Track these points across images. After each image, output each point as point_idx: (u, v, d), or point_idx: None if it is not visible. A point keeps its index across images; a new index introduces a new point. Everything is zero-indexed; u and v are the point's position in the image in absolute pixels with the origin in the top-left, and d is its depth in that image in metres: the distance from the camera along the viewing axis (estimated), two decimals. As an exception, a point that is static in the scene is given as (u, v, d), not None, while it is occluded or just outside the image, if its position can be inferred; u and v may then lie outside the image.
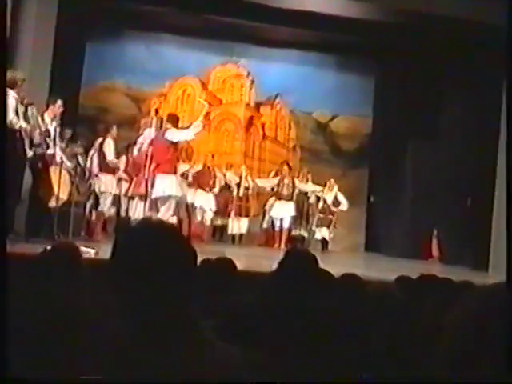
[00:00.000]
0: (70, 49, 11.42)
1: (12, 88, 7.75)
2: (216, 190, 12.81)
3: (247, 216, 13.20)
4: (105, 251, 6.82)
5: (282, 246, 12.48)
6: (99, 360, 1.46)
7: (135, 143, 10.23)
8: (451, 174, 12.32)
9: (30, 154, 7.86)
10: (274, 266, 3.28)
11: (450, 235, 12.33)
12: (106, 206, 10.09)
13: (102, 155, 10.00)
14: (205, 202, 12.52)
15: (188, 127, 9.52)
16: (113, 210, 10.45)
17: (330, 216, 13.25)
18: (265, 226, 13.35)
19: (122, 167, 10.28)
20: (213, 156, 13.52)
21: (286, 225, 12.95)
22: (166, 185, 8.95)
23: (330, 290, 3.53)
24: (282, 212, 12.96)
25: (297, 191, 13.20)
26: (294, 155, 14.76)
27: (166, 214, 8.94)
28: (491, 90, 10.40)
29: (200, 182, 12.51)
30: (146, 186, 9.16)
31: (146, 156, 9.06)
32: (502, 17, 8.10)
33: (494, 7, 9.22)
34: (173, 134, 9.00)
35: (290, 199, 12.99)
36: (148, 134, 9.35)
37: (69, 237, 8.36)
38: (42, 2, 9.46)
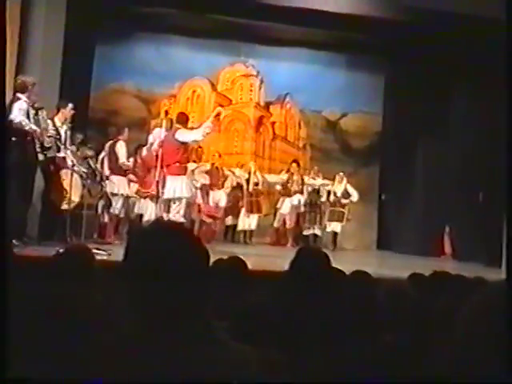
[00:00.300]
0: (80, 52, 11.45)
1: (23, 92, 7.79)
2: (228, 189, 12.85)
3: (259, 212, 13.20)
4: (117, 253, 6.84)
5: (289, 243, 12.53)
6: (113, 360, 1.47)
7: (146, 143, 10.25)
8: (462, 170, 12.28)
9: (41, 157, 7.89)
10: (286, 265, 3.29)
11: (462, 232, 12.28)
12: (118, 207, 10.12)
13: (113, 157, 10.03)
14: (217, 197, 12.57)
15: (198, 128, 9.51)
16: (125, 212, 10.47)
17: (341, 209, 13.26)
18: (276, 224, 13.35)
19: (137, 168, 10.31)
20: (220, 155, 13.55)
21: (294, 217, 12.99)
22: (176, 186, 8.95)
23: (343, 288, 3.52)
24: (291, 203, 12.97)
25: (309, 189, 13.22)
26: (304, 154, 14.77)
27: (177, 215, 8.94)
28: (503, 86, 10.34)
29: (210, 181, 12.54)
30: (157, 187, 9.17)
31: (157, 157, 9.05)
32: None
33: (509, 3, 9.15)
34: (182, 135, 8.99)
35: (300, 193, 13.04)
36: (158, 134, 9.34)
37: (81, 239, 8.39)
38: (51, 6, 9.49)
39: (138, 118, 13.67)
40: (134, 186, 10.36)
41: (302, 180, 13.10)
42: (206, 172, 12.48)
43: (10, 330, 1.46)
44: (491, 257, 10.65)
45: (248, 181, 13.12)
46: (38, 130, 7.74)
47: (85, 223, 8.77)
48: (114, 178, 10.01)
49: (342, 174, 13.37)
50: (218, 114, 9.75)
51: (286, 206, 13.03)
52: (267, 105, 14.76)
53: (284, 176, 13.22)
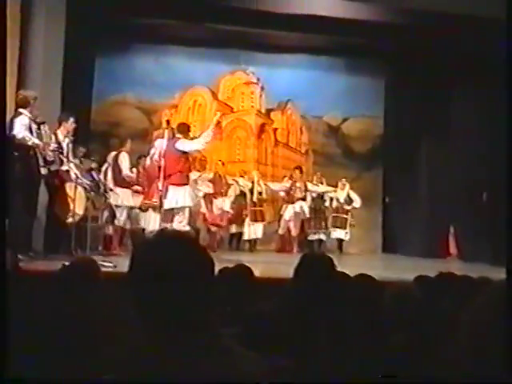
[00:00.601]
0: (80, 65, 11.49)
1: (25, 107, 7.81)
2: (232, 198, 12.88)
3: (262, 221, 13.22)
4: (123, 264, 6.85)
5: (294, 249, 12.52)
6: (121, 370, 1.48)
7: (148, 154, 10.26)
8: (465, 171, 12.27)
9: (44, 171, 7.91)
10: (292, 272, 3.29)
11: (467, 232, 12.27)
12: (123, 219, 10.14)
13: (117, 169, 10.05)
14: (220, 204, 12.60)
15: (198, 137, 9.52)
16: (129, 223, 10.48)
17: (344, 215, 13.29)
18: (280, 231, 13.36)
19: (139, 180, 10.32)
20: (223, 164, 13.57)
21: (298, 223, 13.00)
22: (178, 196, 8.94)
23: (348, 293, 3.53)
24: (294, 210, 12.97)
25: (314, 195, 13.24)
26: (306, 160, 14.77)
27: (180, 224, 8.94)
28: (504, 86, 10.34)
29: (213, 190, 12.57)
30: (160, 198, 9.17)
31: (159, 168, 9.05)
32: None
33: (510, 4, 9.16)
34: (183, 144, 9.00)
35: (303, 200, 13.04)
36: (159, 145, 9.35)
37: (86, 251, 8.40)
38: (50, 20, 9.52)
39: (139, 128, 13.70)
40: (139, 198, 10.36)
41: (306, 186, 13.10)
42: (210, 180, 12.50)
43: (21, 342, 1.47)
44: (496, 256, 10.63)
45: (251, 190, 13.14)
46: (41, 145, 7.76)
47: (89, 235, 8.78)
48: (118, 189, 10.03)
49: (344, 180, 13.41)
50: (219, 122, 9.74)
51: (289, 212, 13.03)
52: (268, 112, 14.78)
53: (287, 183, 13.23)
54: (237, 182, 13.14)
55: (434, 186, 13.12)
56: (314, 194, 13.31)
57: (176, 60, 14.05)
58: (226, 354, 1.53)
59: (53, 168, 8.07)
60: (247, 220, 13.08)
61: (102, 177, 10.16)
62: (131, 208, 10.28)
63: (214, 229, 12.44)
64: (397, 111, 14.32)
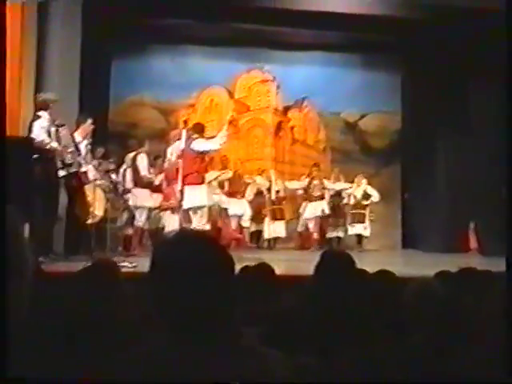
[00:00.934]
0: (97, 66, 11.56)
1: (44, 110, 7.86)
2: (250, 197, 12.89)
3: (282, 219, 13.22)
4: (143, 265, 6.87)
5: (314, 247, 12.46)
6: (142, 369, 1.48)
7: (165, 156, 10.27)
8: (484, 165, 12.17)
9: (63, 173, 7.95)
10: (312, 269, 3.28)
11: (487, 227, 12.18)
12: (142, 219, 10.16)
13: (135, 170, 10.08)
14: (238, 210, 12.61)
15: (214, 137, 9.53)
16: (148, 224, 10.51)
17: (362, 211, 13.25)
18: (299, 229, 13.34)
19: (157, 181, 10.34)
20: (241, 163, 13.59)
21: (318, 224, 12.95)
22: (195, 195, 8.95)
23: (369, 289, 3.51)
24: (315, 211, 12.94)
25: (332, 192, 13.22)
26: (324, 157, 14.74)
27: (200, 224, 8.95)
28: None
29: (232, 189, 12.60)
30: (178, 198, 9.20)
31: (176, 168, 9.08)
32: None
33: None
34: (199, 145, 9.01)
35: (322, 198, 13.00)
36: (177, 147, 9.38)
37: (106, 252, 8.44)
38: (67, 22, 9.58)
39: (157, 129, 13.74)
40: (158, 198, 10.38)
41: (323, 184, 13.07)
42: (228, 179, 12.54)
43: (42, 343, 1.48)
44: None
45: (269, 189, 13.15)
46: (60, 148, 7.81)
47: (109, 237, 8.82)
48: (137, 190, 10.06)
49: (360, 175, 13.35)
50: (232, 121, 9.76)
51: (308, 211, 13.01)
52: (285, 109, 14.76)
53: (304, 181, 13.20)
54: (254, 180, 13.14)
55: (453, 181, 13.03)
56: (332, 192, 13.28)
57: (192, 60, 14.07)
58: (249, 354, 1.53)
59: (72, 170, 8.11)
60: (267, 219, 13.09)
61: (120, 178, 10.20)
62: (150, 209, 10.30)
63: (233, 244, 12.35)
64: (414, 106, 14.24)
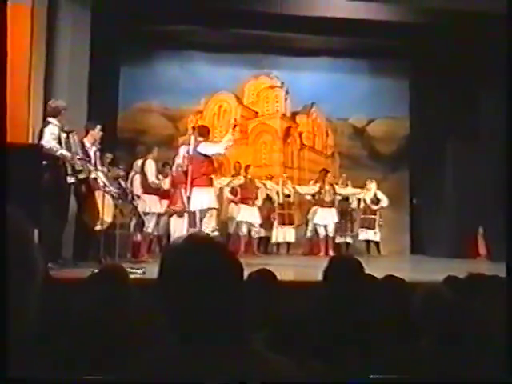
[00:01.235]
0: (105, 73, 11.61)
1: (55, 116, 7.90)
2: (259, 202, 12.90)
3: (291, 224, 13.21)
4: (151, 271, 6.88)
5: (330, 252, 12.38)
6: (148, 376, 1.48)
7: (173, 163, 10.29)
8: (492, 170, 12.13)
9: (72, 180, 7.98)
10: (320, 275, 3.28)
11: (496, 232, 12.13)
12: (151, 226, 10.17)
13: (143, 176, 10.10)
14: (250, 217, 12.61)
15: (219, 141, 9.59)
16: (157, 230, 10.53)
17: (372, 216, 13.24)
18: (308, 234, 13.33)
19: (165, 186, 10.36)
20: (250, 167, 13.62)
21: (330, 231, 12.90)
22: (203, 198, 8.96)
23: (377, 295, 3.51)
24: (326, 219, 12.91)
25: (339, 197, 13.19)
26: (332, 162, 14.74)
27: (209, 227, 8.97)
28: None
29: (243, 195, 12.61)
30: (184, 202, 9.25)
31: (184, 172, 9.12)
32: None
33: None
34: (205, 148, 9.04)
35: (332, 206, 12.96)
36: (184, 150, 9.42)
37: (115, 259, 8.45)
38: (76, 29, 9.62)
39: (165, 135, 13.79)
40: (166, 204, 10.40)
41: (334, 189, 13.04)
42: (240, 186, 12.57)
43: (52, 348, 1.49)
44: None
45: (279, 193, 13.15)
46: (70, 155, 7.84)
47: (118, 243, 8.83)
48: (146, 196, 10.07)
49: (369, 180, 13.36)
50: (236, 125, 9.82)
51: (318, 216, 12.97)
52: (293, 115, 14.79)
53: (316, 187, 13.14)
54: (264, 185, 13.14)
55: (461, 187, 13.00)
56: (339, 197, 13.25)
57: (200, 66, 14.12)
58: (256, 359, 1.53)
59: (81, 176, 8.13)
60: (275, 223, 13.10)
61: (129, 184, 10.22)
62: (159, 215, 10.32)
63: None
64: (422, 112, 14.22)
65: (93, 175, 8.49)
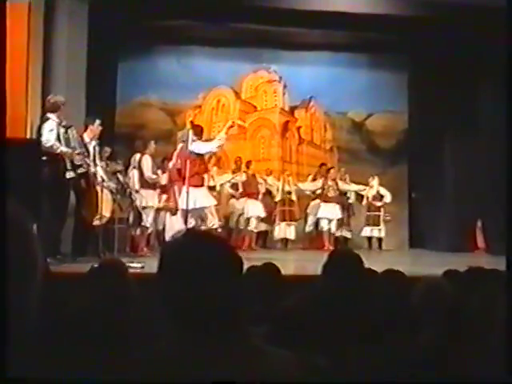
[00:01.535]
0: (103, 69, 11.59)
1: (54, 112, 7.89)
2: (259, 197, 12.90)
3: (291, 220, 13.19)
4: (150, 265, 6.88)
5: (330, 247, 12.37)
6: (150, 370, 1.48)
7: (171, 158, 10.31)
8: (491, 163, 12.14)
9: (71, 175, 7.96)
10: (319, 269, 3.28)
11: (495, 226, 12.15)
12: (149, 220, 10.18)
13: (140, 171, 10.11)
14: (256, 211, 12.62)
15: (212, 139, 9.61)
16: (156, 224, 10.54)
17: (376, 212, 13.28)
18: (308, 229, 13.33)
19: (163, 182, 10.38)
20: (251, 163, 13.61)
21: (332, 226, 12.89)
22: (197, 197, 8.97)
23: (377, 289, 3.51)
24: (330, 213, 12.89)
25: (338, 193, 13.18)
26: (331, 156, 14.72)
27: (213, 222, 9.01)
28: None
29: (246, 191, 12.61)
30: (176, 200, 9.27)
31: (178, 170, 9.16)
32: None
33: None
34: (198, 147, 9.06)
35: (336, 201, 12.94)
36: (177, 150, 9.47)
37: (114, 253, 8.44)
38: (73, 23, 9.60)
39: (164, 130, 13.76)
40: (164, 199, 10.42)
41: (337, 185, 13.02)
42: (243, 182, 12.57)
43: (50, 343, 1.49)
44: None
45: (279, 189, 13.14)
46: (69, 151, 7.83)
47: (117, 237, 8.82)
48: (143, 191, 10.08)
49: (371, 177, 13.39)
50: (231, 126, 9.82)
51: (322, 211, 12.95)
52: (292, 109, 14.77)
53: (319, 183, 13.11)
54: (265, 180, 13.13)
55: (460, 180, 13.01)
56: (338, 192, 13.24)
57: (198, 60, 14.10)
58: (256, 353, 1.53)
59: (80, 171, 8.12)
60: (277, 220, 13.11)
61: (127, 179, 10.22)
62: (158, 209, 10.33)
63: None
64: (421, 106, 14.21)
65: (91, 170, 8.47)
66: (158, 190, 10.42)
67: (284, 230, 13.09)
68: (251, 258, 6.84)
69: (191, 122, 9.97)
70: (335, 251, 3.58)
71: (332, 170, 13.15)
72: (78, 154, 8.00)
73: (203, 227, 8.81)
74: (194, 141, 9.11)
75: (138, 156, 10.30)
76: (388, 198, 13.32)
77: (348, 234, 13.41)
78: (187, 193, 8.70)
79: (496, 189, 11.94)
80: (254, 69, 14.58)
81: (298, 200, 13.59)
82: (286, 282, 4.16)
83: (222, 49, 13.82)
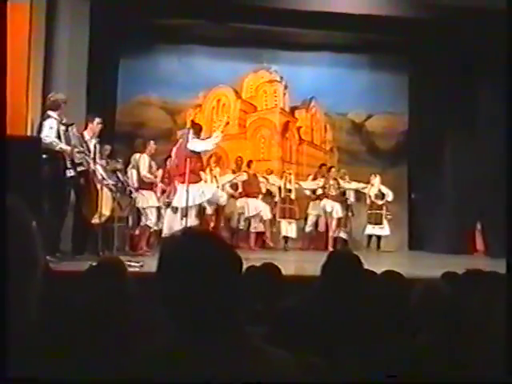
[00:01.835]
0: (104, 67, 11.58)
1: (55, 110, 7.89)
2: (260, 196, 12.91)
3: (291, 218, 13.18)
4: (149, 264, 6.89)
5: (330, 248, 12.39)
6: (149, 369, 1.48)
7: (170, 156, 10.34)
8: (491, 166, 12.14)
9: (71, 173, 7.95)
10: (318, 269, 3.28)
11: (494, 228, 12.15)
12: (148, 219, 10.18)
13: (138, 170, 10.14)
14: (259, 210, 12.62)
15: (209, 138, 9.62)
16: (155, 223, 10.53)
17: (378, 211, 13.29)
18: (307, 229, 13.33)
19: (158, 180, 10.41)
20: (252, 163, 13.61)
21: (333, 225, 12.90)
22: (193, 194, 8.97)
23: (376, 290, 3.52)
24: (333, 209, 12.91)
25: (339, 192, 13.19)
26: (331, 157, 14.73)
27: (208, 220, 9.05)
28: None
29: (247, 191, 12.61)
30: (169, 196, 9.30)
31: (176, 167, 9.19)
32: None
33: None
34: (194, 145, 9.07)
35: (337, 200, 12.96)
36: (175, 147, 9.49)
37: (113, 252, 8.44)
38: (75, 22, 9.61)
39: (164, 129, 13.75)
40: (162, 198, 10.45)
41: (338, 184, 13.04)
42: (244, 182, 12.58)
43: (49, 343, 1.48)
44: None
45: (281, 188, 13.14)
46: (69, 149, 7.82)
47: (116, 236, 8.83)
48: (144, 192, 10.12)
49: (373, 175, 13.42)
50: (228, 123, 9.84)
51: (321, 210, 12.97)
52: (292, 110, 14.77)
53: (320, 181, 13.12)
54: (267, 179, 13.14)
55: (459, 182, 13.01)
56: (338, 192, 13.25)
57: (199, 60, 14.09)
58: (256, 353, 1.53)
59: (80, 169, 8.12)
60: (277, 217, 13.11)
61: (126, 178, 10.22)
62: (158, 208, 10.34)
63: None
64: (421, 107, 14.22)
65: (92, 168, 8.47)
66: (158, 188, 10.43)
67: (285, 228, 13.07)
68: (251, 259, 6.85)
69: (192, 121, 9.94)
70: (334, 252, 3.57)
71: (333, 169, 13.17)
72: (79, 152, 8.00)
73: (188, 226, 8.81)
74: (192, 139, 9.13)
75: (137, 156, 10.31)
76: (390, 196, 13.34)
77: (344, 236, 13.37)
78: (187, 191, 8.71)
79: (495, 191, 11.96)
80: (254, 69, 14.59)
81: (297, 200, 13.58)
82: (286, 282, 4.15)
83: (222, 48, 13.81)
